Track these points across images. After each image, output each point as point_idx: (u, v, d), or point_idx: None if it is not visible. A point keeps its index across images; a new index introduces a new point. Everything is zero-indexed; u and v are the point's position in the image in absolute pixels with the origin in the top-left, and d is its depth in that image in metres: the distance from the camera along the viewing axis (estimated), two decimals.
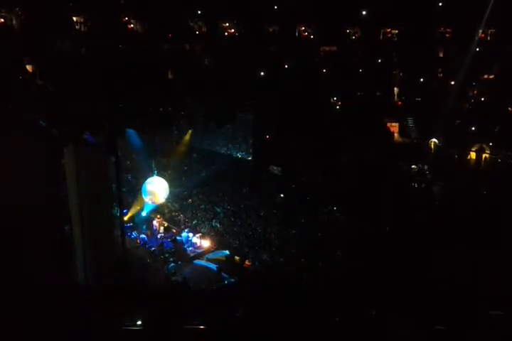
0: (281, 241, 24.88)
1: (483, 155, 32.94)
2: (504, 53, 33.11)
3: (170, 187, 27.07)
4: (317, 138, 30.29)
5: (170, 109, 24.32)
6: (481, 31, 35.45)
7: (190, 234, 26.15)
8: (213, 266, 24.02)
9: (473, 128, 34.44)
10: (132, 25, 36.84)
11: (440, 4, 32.83)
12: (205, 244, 25.79)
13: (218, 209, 28.49)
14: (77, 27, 34.07)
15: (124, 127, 23.05)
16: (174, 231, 26.90)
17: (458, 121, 35.66)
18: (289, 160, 30.18)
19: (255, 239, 25.38)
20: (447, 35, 38.41)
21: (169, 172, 30.21)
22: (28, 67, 27.91)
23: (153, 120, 23.69)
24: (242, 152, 32.50)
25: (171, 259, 24.42)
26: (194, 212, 28.72)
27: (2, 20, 33.31)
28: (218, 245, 25.80)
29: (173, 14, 34.02)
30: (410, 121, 37.14)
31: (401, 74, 39.26)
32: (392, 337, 8.37)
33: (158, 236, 26.38)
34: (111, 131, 19.89)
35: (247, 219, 27.17)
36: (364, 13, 36.32)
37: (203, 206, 29.02)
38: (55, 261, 15.38)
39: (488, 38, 36.89)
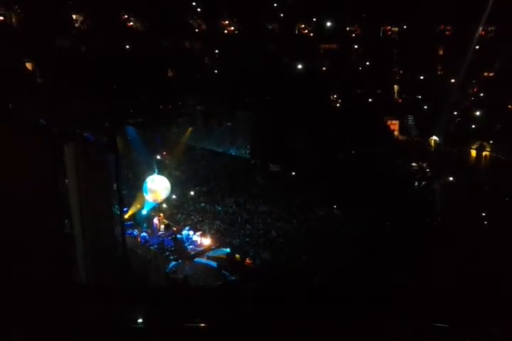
0: (282, 239, 24.87)
1: (484, 153, 32.94)
2: (504, 51, 33.09)
3: (170, 185, 27.03)
4: (317, 135, 30.29)
5: (170, 106, 24.30)
6: (481, 29, 35.42)
7: (191, 232, 26.13)
8: (214, 264, 24.02)
9: (473, 126, 34.44)
10: (132, 23, 36.84)
11: (440, 2, 32.76)
12: (206, 241, 25.77)
13: (219, 207, 28.49)
14: (76, 25, 34.08)
15: (124, 125, 23.04)
16: (175, 229, 26.87)
17: (458, 119, 35.66)
18: (289, 158, 30.15)
19: (256, 237, 25.37)
20: (447, 32, 38.40)
21: (170, 170, 30.18)
22: (28, 65, 27.91)
23: (153, 118, 23.66)
24: (242, 150, 32.50)
25: (172, 257, 24.43)
26: (195, 210, 28.72)
27: (1, 18, 33.25)
28: (219, 243, 25.79)
29: (173, 12, 34.00)
30: (410, 119, 37.15)
31: (401, 71, 39.25)
32: (391, 336, 8.38)
33: (159, 234, 26.37)
34: (111, 129, 19.87)
35: (247, 217, 27.16)
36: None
37: (203, 204, 29.02)
38: (56, 259, 15.36)
39: (488, 36, 36.86)
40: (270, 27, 37.85)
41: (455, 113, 35.74)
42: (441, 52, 38.41)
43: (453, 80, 36.54)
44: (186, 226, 26.98)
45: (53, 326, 8.41)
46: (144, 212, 27.77)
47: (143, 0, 35.00)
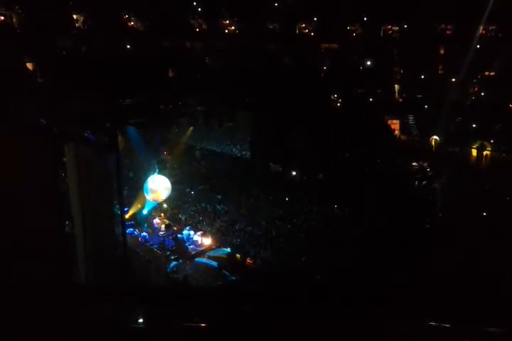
0: (283, 238, 24.88)
1: (484, 153, 32.93)
2: (505, 50, 33.08)
3: (171, 185, 27.06)
4: (317, 135, 30.29)
5: (170, 106, 24.31)
6: (481, 28, 35.40)
7: (192, 232, 26.16)
8: (214, 264, 24.04)
9: (474, 126, 34.42)
10: (132, 23, 36.86)
11: (441, 1, 32.75)
12: (207, 241, 25.79)
13: (219, 207, 28.50)
14: (77, 25, 34.11)
15: (125, 125, 23.04)
16: (175, 229, 26.90)
17: (459, 118, 35.64)
18: (289, 158, 30.16)
19: (256, 237, 25.38)
20: (448, 32, 38.41)
21: (170, 170, 30.21)
22: (29, 65, 27.94)
23: (153, 118, 23.66)
24: (243, 150, 32.51)
25: (173, 257, 24.45)
26: (195, 209, 28.73)
27: (2, 18, 33.27)
28: (219, 243, 25.81)
29: (173, 12, 34.02)
30: (411, 119, 37.14)
31: (402, 71, 39.24)
32: (391, 336, 8.36)
33: (160, 234, 26.39)
34: (111, 129, 19.88)
35: (248, 217, 27.17)
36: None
37: (204, 204, 29.03)
38: (56, 259, 15.36)
39: (489, 35, 36.84)
40: (271, 26, 37.89)
41: (456, 112, 35.72)
42: (442, 52, 38.41)
43: (454, 80, 36.53)
44: (187, 226, 27.02)
45: (53, 326, 8.41)
46: (145, 211, 27.82)
47: (143, 0, 35.03)
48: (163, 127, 26.90)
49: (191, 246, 25.60)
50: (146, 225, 27.26)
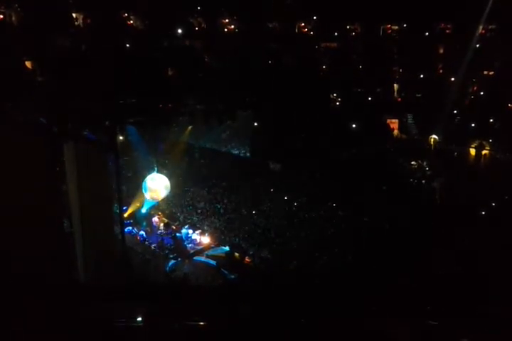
0: (281, 237, 24.90)
1: (483, 152, 32.94)
2: (504, 49, 33.07)
3: (170, 183, 27.05)
4: (316, 134, 30.31)
5: (170, 105, 24.31)
6: (481, 27, 35.39)
7: (190, 231, 26.18)
8: (213, 263, 24.06)
9: (472, 125, 34.42)
10: (132, 22, 36.78)
11: (440, 0, 32.72)
12: (205, 240, 25.81)
13: (218, 206, 28.51)
14: (76, 23, 34.03)
15: (124, 124, 23.04)
16: (174, 227, 26.91)
17: (458, 118, 35.65)
18: (289, 157, 30.17)
19: (255, 236, 25.39)
20: (447, 31, 38.38)
21: (169, 168, 30.21)
22: (28, 64, 27.91)
23: (153, 117, 23.67)
24: (242, 149, 32.52)
25: (171, 256, 24.47)
26: (194, 208, 28.73)
27: (1, 16, 33.18)
28: (218, 241, 25.82)
29: (173, 10, 33.98)
30: (410, 118, 37.14)
31: (401, 70, 39.22)
32: (391, 336, 8.40)
33: (158, 233, 26.40)
34: (111, 128, 19.88)
35: (247, 216, 27.18)
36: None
37: (203, 203, 29.03)
38: (56, 259, 15.39)
39: (488, 35, 36.80)
40: (270, 26, 37.84)
41: (455, 112, 35.73)
42: (441, 51, 38.39)
43: (453, 79, 36.51)
44: (186, 224, 27.03)
45: (53, 326, 8.44)
46: (144, 210, 27.81)
47: None
48: (162, 126, 26.87)
49: (190, 245, 25.63)
50: (144, 224, 27.26)
